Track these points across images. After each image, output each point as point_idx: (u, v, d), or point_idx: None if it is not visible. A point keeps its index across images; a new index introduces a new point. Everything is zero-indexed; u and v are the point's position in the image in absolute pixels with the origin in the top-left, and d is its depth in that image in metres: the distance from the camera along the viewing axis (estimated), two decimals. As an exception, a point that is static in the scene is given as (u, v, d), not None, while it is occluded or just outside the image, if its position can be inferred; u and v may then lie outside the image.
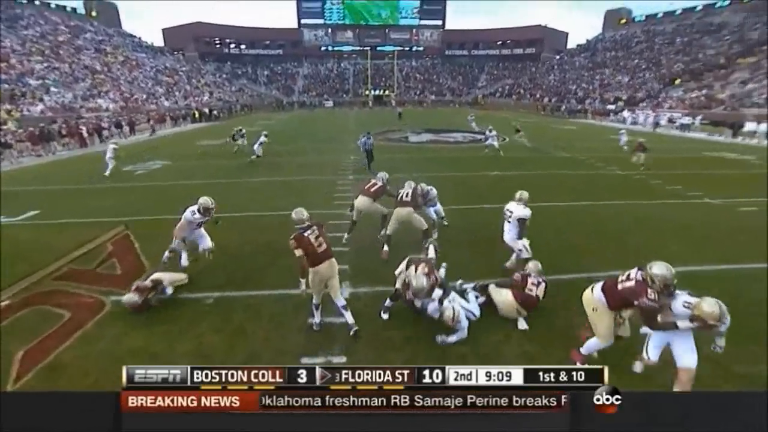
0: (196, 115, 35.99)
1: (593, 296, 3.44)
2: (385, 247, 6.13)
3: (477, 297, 4.66)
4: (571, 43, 67.87)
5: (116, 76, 36.95)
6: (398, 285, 4.42)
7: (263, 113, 45.17)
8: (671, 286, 3.07)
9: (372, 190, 6.56)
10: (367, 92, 59.74)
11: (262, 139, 15.22)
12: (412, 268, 4.22)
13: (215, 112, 39.52)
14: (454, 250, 6.16)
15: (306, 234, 4.05)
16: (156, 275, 5.01)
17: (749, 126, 23.12)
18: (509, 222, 5.31)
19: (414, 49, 69.43)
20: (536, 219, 7.88)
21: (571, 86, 50.10)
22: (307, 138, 21.59)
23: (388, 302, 4.56)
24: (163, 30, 61.13)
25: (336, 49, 68.91)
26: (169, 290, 4.98)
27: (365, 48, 63.90)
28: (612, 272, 5.55)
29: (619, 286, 3.25)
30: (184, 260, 5.58)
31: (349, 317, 4.26)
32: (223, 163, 14.55)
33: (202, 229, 5.61)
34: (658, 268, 3.08)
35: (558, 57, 63.17)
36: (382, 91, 61.24)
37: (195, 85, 48.00)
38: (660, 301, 3.05)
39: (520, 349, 4.01)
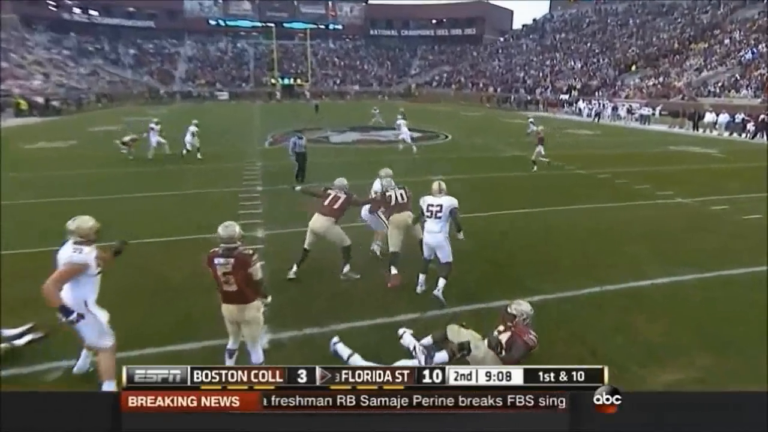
0: (22, 106, 33.00)
1: None
2: (394, 270, 5.93)
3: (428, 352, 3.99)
4: (516, 24, 73.87)
5: None
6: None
7: (131, 106, 42.64)
8: None
9: (335, 206, 6.03)
10: (273, 81, 59.31)
11: (193, 128, 15.77)
12: None
13: (55, 104, 36.62)
14: (404, 269, 6.07)
15: (216, 262, 3.75)
16: None
17: (709, 117, 26.60)
18: (438, 218, 5.38)
19: (331, 27, 70.56)
20: (491, 229, 8.23)
21: (519, 73, 54.14)
22: (200, 139, 20.57)
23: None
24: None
25: (230, 24, 67.64)
26: None
27: (269, 24, 63.48)
28: (590, 290, 5.93)
29: None
30: (23, 340, 4.62)
31: None
32: (74, 174, 13.29)
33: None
34: None
35: (502, 39, 68.16)
36: (293, 80, 61.21)
37: (17, 62, 43.89)
38: None
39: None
